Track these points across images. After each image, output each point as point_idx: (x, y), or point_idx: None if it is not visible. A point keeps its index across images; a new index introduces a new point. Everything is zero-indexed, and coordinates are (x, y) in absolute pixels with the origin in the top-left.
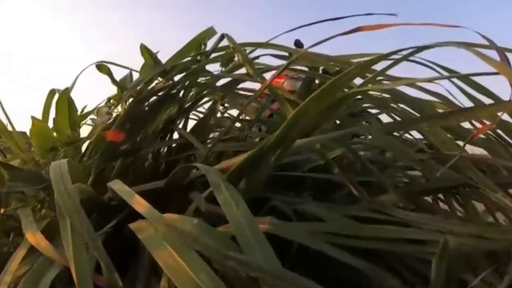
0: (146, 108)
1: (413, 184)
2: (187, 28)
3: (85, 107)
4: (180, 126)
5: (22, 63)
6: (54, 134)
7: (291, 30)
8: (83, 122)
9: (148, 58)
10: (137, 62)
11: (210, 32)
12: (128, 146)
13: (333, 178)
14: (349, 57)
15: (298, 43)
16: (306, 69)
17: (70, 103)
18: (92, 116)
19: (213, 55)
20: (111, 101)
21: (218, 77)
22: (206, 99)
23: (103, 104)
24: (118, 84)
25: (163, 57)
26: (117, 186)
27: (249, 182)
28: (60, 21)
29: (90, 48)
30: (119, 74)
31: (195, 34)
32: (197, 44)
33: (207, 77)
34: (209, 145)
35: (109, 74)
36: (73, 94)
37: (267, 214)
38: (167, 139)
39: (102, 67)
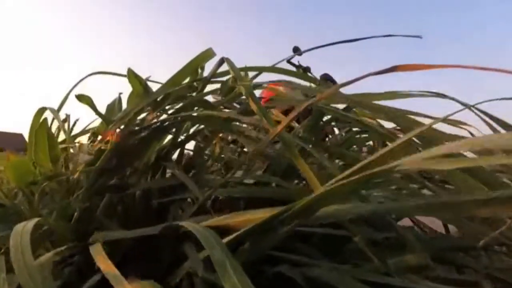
0: (136, 141)
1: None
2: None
3: (76, 120)
4: (175, 156)
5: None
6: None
7: (299, 53)
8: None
9: (136, 85)
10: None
11: (208, 54)
12: (116, 181)
13: (345, 233)
14: (373, 97)
15: (297, 50)
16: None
17: (50, 136)
18: (74, 150)
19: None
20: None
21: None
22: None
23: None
24: (102, 116)
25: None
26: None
27: (253, 246)
28: (56, 22)
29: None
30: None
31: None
32: (193, 68)
33: (204, 110)
34: (207, 190)
35: (91, 104)
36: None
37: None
38: (159, 173)
39: (82, 97)
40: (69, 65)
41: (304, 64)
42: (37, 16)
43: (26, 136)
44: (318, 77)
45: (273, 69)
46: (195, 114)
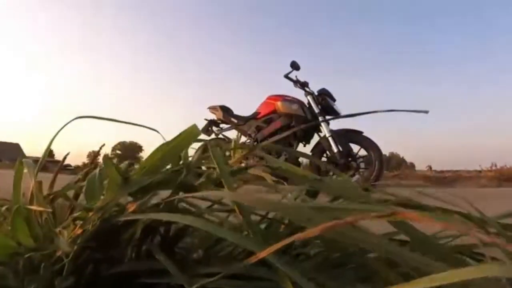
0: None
1: None
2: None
3: (68, 154)
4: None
5: None
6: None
7: (297, 68)
8: None
9: (114, 174)
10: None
11: (193, 133)
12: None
13: None
14: None
15: (294, 65)
16: (302, 91)
17: (30, 220)
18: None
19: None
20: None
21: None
22: None
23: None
24: (83, 206)
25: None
26: None
27: None
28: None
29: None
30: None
31: None
32: (176, 152)
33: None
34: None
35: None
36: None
37: None
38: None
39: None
40: (69, 71)
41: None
42: (34, 19)
43: (22, 145)
44: (316, 92)
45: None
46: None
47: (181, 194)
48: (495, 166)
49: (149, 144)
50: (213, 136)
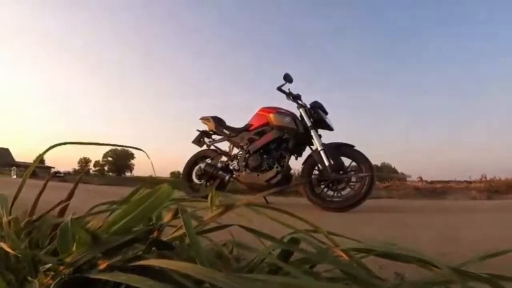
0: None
1: None
2: None
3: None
4: None
5: None
6: None
7: (290, 81)
8: None
9: (83, 234)
10: None
11: (166, 193)
12: None
13: None
14: None
15: (287, 77)
16: (295, 104)
17: (8, 261)
18: None
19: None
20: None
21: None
22: None
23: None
24: (53, 260)
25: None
26: None
27: None
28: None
29: None
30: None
31: None
32: (148, 212)
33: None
34: None
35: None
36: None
37: None
38: None
39: None
40: (58, 70)
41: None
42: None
43: (12, 151)
44: (308, 105)
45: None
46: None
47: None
48: (485, 177)
49: (141, 152)
50: (204, 147)
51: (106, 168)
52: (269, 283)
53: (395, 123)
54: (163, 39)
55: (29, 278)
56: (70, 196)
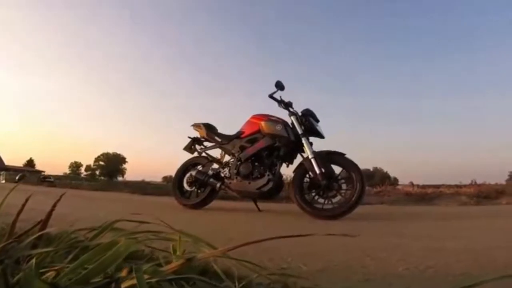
0: None
1: None
2: None
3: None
4: None
5: None
6: None
7: (282, 88)
8: None
9: (42, 285)
10: None
11: (124, 248)
12: None
13: None
14: None
15: (279, 85)
16: (287, 112)
17: None
18: None
19: None
20: None
21: None
22: None
23: None
24: None
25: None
26: None
27: None
28: None
29: None
30: None
31: None
32: (106, 266)
33: None
34: None
35: None
36: None
37: None
38: None
39: None
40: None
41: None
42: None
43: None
44: (300, 112)
45: None
46: None
47: None
48: (475, 183)
49: (134, 156)
50: (196, 154)
51: (97, 172)
52: None
53: (389, 129)
54: (159, 36)
55: None
56: (50, 213)
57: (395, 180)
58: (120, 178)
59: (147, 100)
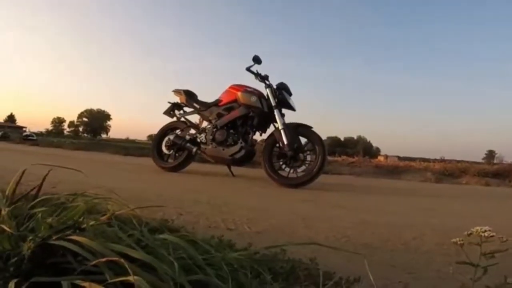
0: None
1: None
2: None
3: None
4: None
5: None
6: None
7: (259, 62)
8: None
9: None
10: None
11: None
12: None
13: None
14: None
15: (256, 59)
16: (263, 84)
17: None
18: None
19: None
20: None
21: None
22: None
23: None
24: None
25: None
26: None
27: None
28: None
29: None
30: None
31: None
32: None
33: None
34: None
35: None
36: None
37: None
38: None
39: None
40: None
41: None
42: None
43: None
44: (275, 85)
45: None
46: None
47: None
48: (443, 159)
49: (118, 112)
50: (174, 119)
51: (80, 129)
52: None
53: (381, 100)
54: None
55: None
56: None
57: (377, 150)
58: (104, 136)
59: (134, 58)
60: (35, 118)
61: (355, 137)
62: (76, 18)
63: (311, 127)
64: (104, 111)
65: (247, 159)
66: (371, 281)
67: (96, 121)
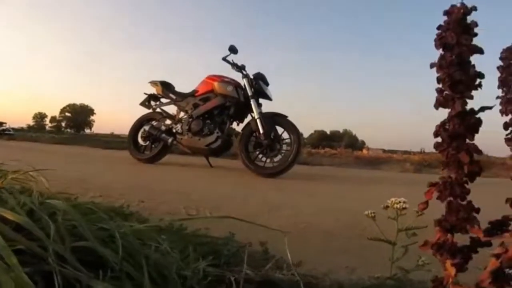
0: None
1: None
2: None
3: None
4: None
5: None
6: None
7: (235, 52)
8: None
9: None
10: None
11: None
12: None
13: None
14: None
15: (232, 49)
16: (240, 75)
17: None
18: None
19: None
20: None
21: None
22: None
23: None
24: None
25: None
26: None
27: None
28: None
29: None
30: None
31: None
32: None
33: None
34: None
35: None
36: None
37: None
38: None
39: None
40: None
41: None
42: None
43: None
44: (252, 75)
45: None
46: None
47: None
48: (424, 151)
49: (101, 107)
50: (151, 110)
51: (63, 124)
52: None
53: (366, 91)
54: None
55: None
56: None
57: (363, 143)
58: (87, 131)
59: (118, 50)
60: (16, 114)
61: (341, 131)
62: (55, 8)
63: (287, 116)
64: (87, 106)
65: (224, 149)
66: (314, 264)
67: (79, 116)
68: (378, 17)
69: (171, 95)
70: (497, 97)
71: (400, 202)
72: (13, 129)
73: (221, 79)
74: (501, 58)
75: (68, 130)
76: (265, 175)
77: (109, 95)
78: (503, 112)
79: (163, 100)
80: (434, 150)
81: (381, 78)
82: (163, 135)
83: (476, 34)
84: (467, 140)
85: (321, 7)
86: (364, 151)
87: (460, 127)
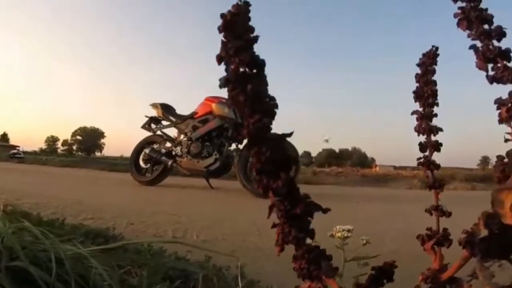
0: None
1: None
2: None
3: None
4: None
5: None
6: None
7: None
8: None
9: None
10: None
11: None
12: None
13: None
14: None
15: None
16: None
17: None
18: None
19: None
20: None
21: None
22: None
23: None
24: None
25: None
26: None
27: None
28: None
29: None
30: None
31: None
32: None
33: None
34: None
35: None
36: None
37: None
38: None
39: None
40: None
41: None
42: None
43: None
44: None
45: None
46: None
47: None
48: None
49: (112, 131)
50: (151, 133)
51: (74, 147)
52: None
53: (374, 109)
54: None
55: None
56: None
57: (372, 160)
58: (98, 154)
59: (127, 74)
60: (29, 138)
61: (350, 149)
62: (66, 33)
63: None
64: (98, 129)
65: (222, 171)
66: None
67: (90, 139)
68: (385, 38)
69: (171, 117)
70: (412, 113)
71: (344, 230)
72: (25, 152)
73: (219, 100)
74: (418, 65)
75: (79, 153)
76: (262, 196)
77: (118, 117)
78: (418, 131)
79: (164, 123)
80: (449, 165)
81: (389, 94)
82: (163, 157)
83: None
84: None
85: (329, 24)
86: (373, 168)
87: None
